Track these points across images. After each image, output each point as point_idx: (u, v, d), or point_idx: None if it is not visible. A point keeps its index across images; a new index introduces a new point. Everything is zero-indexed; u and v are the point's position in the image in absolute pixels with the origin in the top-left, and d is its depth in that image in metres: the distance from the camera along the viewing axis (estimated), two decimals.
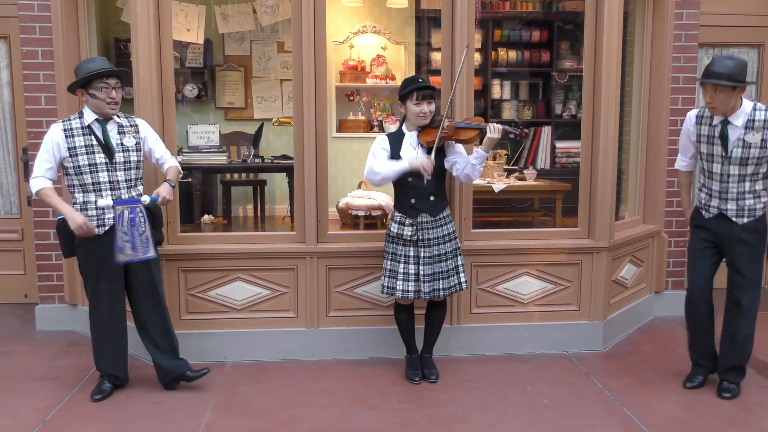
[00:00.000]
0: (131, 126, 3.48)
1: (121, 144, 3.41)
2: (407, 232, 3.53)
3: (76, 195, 3.38)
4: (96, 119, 3.38)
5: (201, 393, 3.57)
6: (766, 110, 3.27)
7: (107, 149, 3.37)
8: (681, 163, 3.69)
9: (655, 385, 3.70)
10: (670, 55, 4.63)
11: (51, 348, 4.23)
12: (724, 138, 3.30)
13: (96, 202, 3.35)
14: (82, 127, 3.35)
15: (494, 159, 5.02)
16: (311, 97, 3.89)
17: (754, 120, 3.25)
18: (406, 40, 6.55)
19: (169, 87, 3.90)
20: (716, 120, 3.32)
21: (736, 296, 3.52)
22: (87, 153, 3.33)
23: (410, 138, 3.58)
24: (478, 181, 4.34)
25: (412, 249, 3.55)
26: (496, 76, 6.47)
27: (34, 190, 3.37)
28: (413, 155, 3.53)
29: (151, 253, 3.42)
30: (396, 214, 3.61)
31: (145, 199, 3.43)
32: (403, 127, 3.64)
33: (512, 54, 6.41)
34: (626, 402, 3.48)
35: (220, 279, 4.00)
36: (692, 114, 3.47)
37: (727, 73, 3.15)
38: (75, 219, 3.27)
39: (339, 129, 6.59)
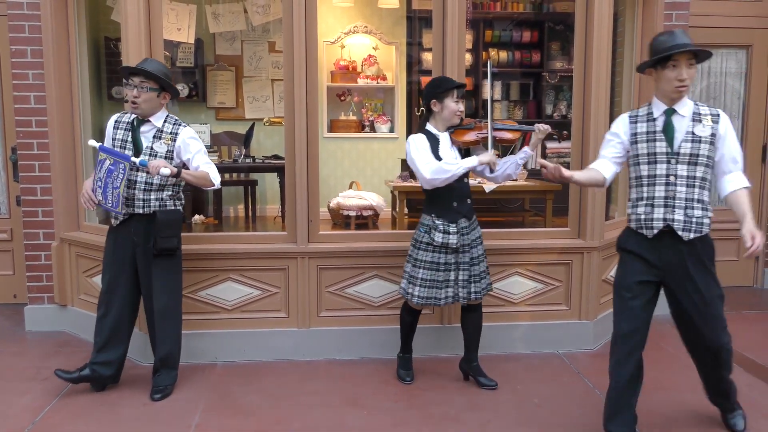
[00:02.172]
0: (171, 133, 3.42)
1: (151, 148, 3.38)
2: (452, 240, 3.42)
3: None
4: (135, 118, 3.40)
5: (192, 393, 3.56)
6: (710, 107, 2.86)
7: (136, 149, 3.39)
8: (601, 167, 3.01)
9: (646, 384, 3.67)
10: None
11: (41, 349, 4.21)
12: (668, 131, 2.79)
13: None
14: (128, 122, 3.42)
15: None
16: (302, 97, 3.89)
17: (699, 113, 2.80)
18: (397, 40, 6.56)
19: None
20: (658, 112, 2.83)
21: (708, 342, 2.93)
22: (121, 147, 3.40)
23: (445, 139, 3.47)
24: (470, 182, 4.35)
25: (452, 255, 3.46)
26: (487, 77, 6.48)
27: None
28: (452, 156, 3.44)
29: (119, 210, 3.35)
30: (436, 221, 3.44)
31: (135, 160, 3.33)
32: (430, 128, 3.49)
33: (503, 54, 6.43)
34: None
35: (211, 279, 3.99)
36: (623, 116, 2.96)
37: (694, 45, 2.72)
38: (84, 185, 3.41)
39: (330, 129, 6.59)
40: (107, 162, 3.32)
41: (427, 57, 6.31)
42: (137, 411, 3.36)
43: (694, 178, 2.76)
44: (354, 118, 6.60)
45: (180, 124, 3.46)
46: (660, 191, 2.80)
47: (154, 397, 3.48)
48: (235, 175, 5.89)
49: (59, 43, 4.28)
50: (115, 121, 3.45)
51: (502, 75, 6.52)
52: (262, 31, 6.12)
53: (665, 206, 2.79)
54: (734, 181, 2.83)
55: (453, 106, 3.41)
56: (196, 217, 5.09)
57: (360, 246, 4.03)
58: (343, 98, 6.64)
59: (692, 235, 2.77)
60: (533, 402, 3.49)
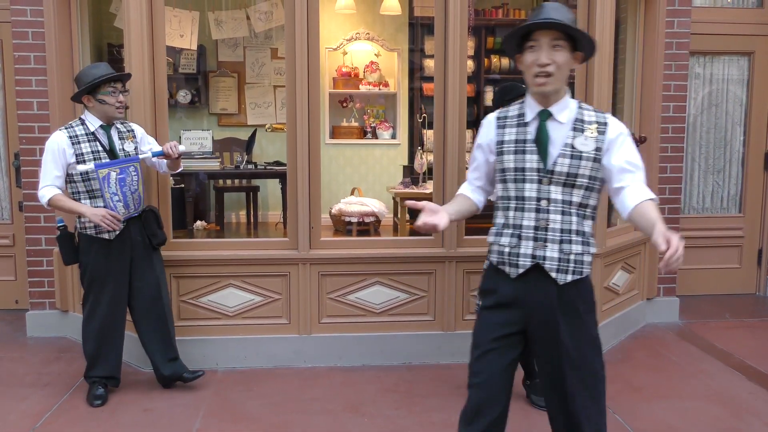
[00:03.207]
0: (128, 131, 3.50)
1: (123, 150, 3.43)
2: None
3: (83, 201, 3.37)
4: (101, 125, 3.39)
5: (192, 399, 3.56)
6: (597, 112, 2.21)
7: (113, 155, 3.39)
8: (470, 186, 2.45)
9: (647, 391, 3.71)
10: (661, 63, 4.66)
11: (42, 354, 4.21)
12: (542, 140, 2.16)
13: (87, 174, 3.33)
14: (87, 134, 3.36)
15: None
16: (304, 103, 3.89)
17: (583, 120, 2.16)
18: (399, 47, 6.58)
19: (162, 93, 3.90)
20: (531, 114, 2.18)
21: (572, 420, 2.23)
22: (95, 159, 3.33)
23: None
24: None
25: None
26: (489, 83, 6.49)
27: (45, 200, 3.33)
28: None
29: (143, 206, 3.49)
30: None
31: (147, 154, 3.46)
32: None
33: (505, 61, 6.44)
34: (618, 409, 3.49)
35: (213, 285, 3.99)
36: (491, 116, 2.33)
37: (569, 23, 2.08)
38: (97, 213, 3.28)
39: (332, 135, 6.60)
40: (113, 174, 3.33)
41: (429, 64, 6.32)
42: (138, 417, 3.35)
43: (571, 203, 2.14)
44: (356, 124, 6.60)
45: (126, 122, 3.54)
46: (529, 219, 2.17)
47: (197, 373, 3.65)
48: (237, 181, 5.90)
49: (62, 49, 4.29)
50: (69, 137, 3.31)
51: (504, 82, 6.52)
52: (264, 37, 6.14)
53: (535, 239, 2.16)
54: (635, 195, 2.13)
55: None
56: (198, 223, 5.10)
57: (361, 252, 4.03)
58: (345, 105, 6.65)
59: (569, 278, 2.15)
60: (534, 409, 3.48)
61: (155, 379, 3.71)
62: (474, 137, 6.48)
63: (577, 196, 2.14)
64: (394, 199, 5.30)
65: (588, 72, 4.06)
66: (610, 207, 4.64)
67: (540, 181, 2.15)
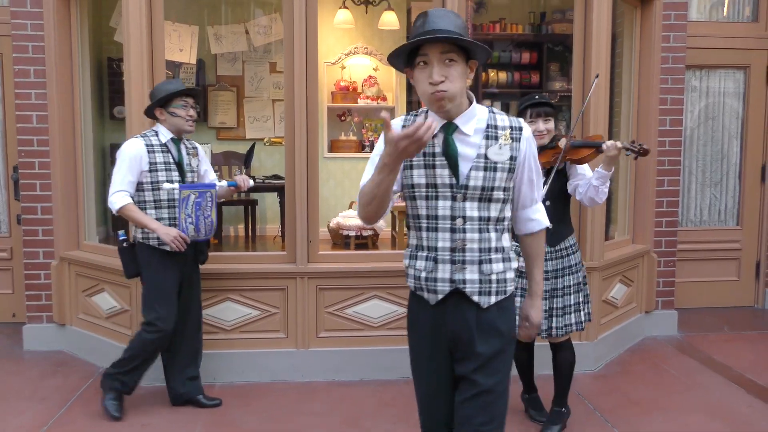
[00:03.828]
0: (193, 148, 3.57)
1: (189, 165, 3.50)
2: (521, 262, 3.25)
3: (149, 211, 3.39)
4: (171, 138, 3.44)
5: (190, 415, 3.54)
6: (508, 116, 2.03)
7: (180, 168, 3.44)
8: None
9: (646, 404, 3.70)
10: (657, 76, 4.69)
11: (38, 368, 4.18)
12: (450, 155, 1.95)
13: (166, 194, 3.38)
14: (160, 144, 3.42)
15: None
16: (303, 117, 3.91)
17: (496, 126, 1.98)
18: None
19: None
20: (435, 125, 1.85)
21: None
22: (166, 170, 3.40)
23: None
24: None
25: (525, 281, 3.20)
26: (487, 97, 6.52)
27: (116, 206, 3.33)
28: None
29: (210, 236, 3.52)
30: (515, 243, 3.35)
31: (222, 183, 3.54)
32: None
33: (503, 75, 6.47)
34: (617, 422, 3.47)
35: (210, 299, 3.97)
36: (396, 120, 2.10)
37: (459, 33, 1.87)
38: (169, 232, 3.30)
39: (330, 149, 6.62)
40: (192, 197, 3.36)
41: None
42: (135, 431, 3.33)
43: (488, 219, 1.97)
44: (354, 138, 6.62)
45: (189, 139, 3.62)
46: (444, 240, 1.97)
47: (214, 401, 3.64)
48: (235, 194, 5.90)
49: (62, 63, 4.31)
50: (147, 146, 3.38)
51: (502, 95, 6.56)
52: (263, 51, 6.17)
53: (453, 262, 1.97)
54: (535, 220, 2.10)
55: (530, 127, 3.20)
56: None
57: (360, 266, 4.03)
58: (343, 118, 6.68)
59: (493, 299, 1.99)
60: (533, 424, 3.47)
61: (154, 393, 3.69)
62: None
63: (494, 211, 1.97)
64: (392, 212, 5.30)
65: (585, 85, 4.08)
66: (608, 219, 4.65)
67: (454, 198, 1.95)
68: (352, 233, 4.85)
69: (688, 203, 5.42)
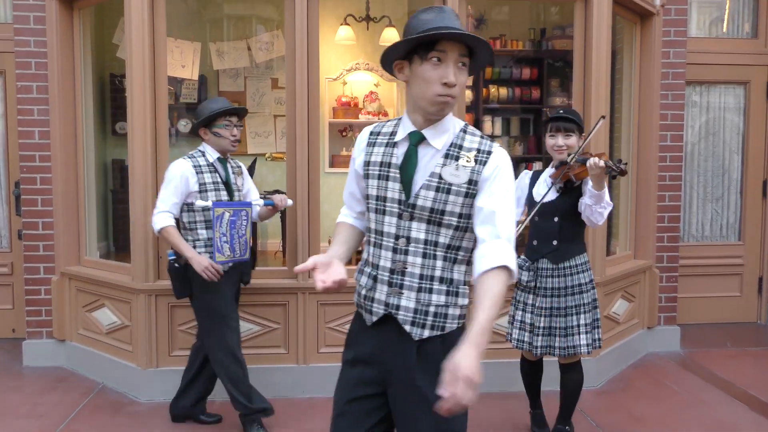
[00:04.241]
0: (237, 167, 3.56)
1: (236, 184, 3.48)
2: (524, 276, 3.20)
3: (200, 231, 3.36)
4: (218, 158, 3.42)
5: (191, 431, 3.51)
6: (483, 138, 1.83)
7: (228, 187, 3.42)
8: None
9: (649, 421, 3.67)
10: (657, 92, 4.70)
11: (38, 384, 4.16)
12: (406, 168, 1.80)
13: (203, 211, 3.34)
14: (207, 165, 3.39)
15: None
16: (304, 132, 3.92)
17: (460, 146, 1.80)
18: None
19: (163, 123, 3.92)
20: (401, 134, 1.83)
21: None
22: (215, 190, 3.36)
23: (547, 174, 3.27)
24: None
25: (530, 296, 3.22)
26: (487, 113, 6.53)
27: (158, 226, 3.29)
28: (542, 192, 3.18)
29: (246, 256, 3.40)
30: (520, 256, 3.25)
31: (259, 202, 3.48)
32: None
33: (503, 91, 6.48)
34: None
35: None
36: (366, 129, 1.97)
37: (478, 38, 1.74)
38: (201, 262, 3.23)
39: (332, 164, 6.63)
40: (227, 215, 3.29)
41: None
42: None
43: (436, 245, 1.78)
44: (347, 153, 6.63)
45: (233, 158, 3.58)
46: (386, 259, 1.82)
47: (215, 417, 3.60)
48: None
49: (65, 79, 4.33)
50: (194, 166, 3.33)
51: (503, 111, 6.57)
52: (265, 67, 6.19)
53: (390, 284, 1.82)
54: (490, 255, 1.71)
55: (548, 141, 3.21)
56: None
57: None
58: (344, 134, 6.69)
59: (426, 333, 1.79)
60: None
61: (152, 409, 3.67)
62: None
63: (444, 237, 1.77)
64: None
65: (585, 102, 4.09)
66: (609, 235, 4.65)
67: (400, 216, 1.78)
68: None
69: (690, 218, 5.41)
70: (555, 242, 3.14)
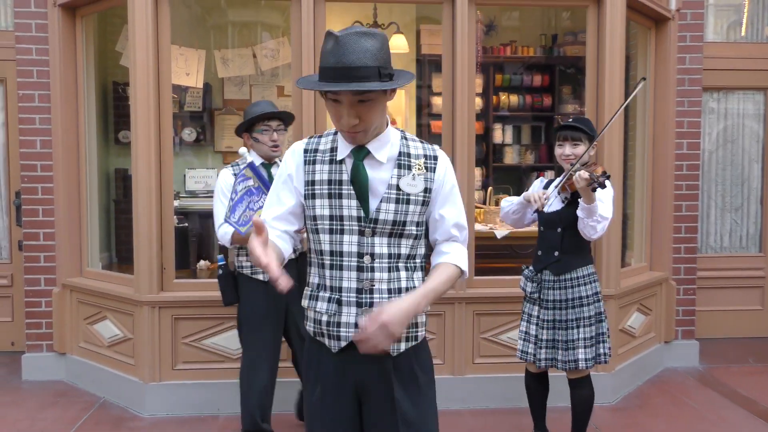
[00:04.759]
0: None
1: None
2: (528, 287, 3.17)
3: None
4: (262, 163, 3.34)
5: None
6: (424, 144, 1.89)
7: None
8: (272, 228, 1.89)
9: None
10: (673, 99, 4.58)
11: (37, 399, 4.07)
12: (359, 183, 1.78)
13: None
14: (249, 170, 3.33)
15: (496, 204, 4.94)
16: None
17: (409, 155, 1.83)
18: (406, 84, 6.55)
19: (167, 131, 3.84)
20: (344, 151, 1.80)
21: None
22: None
23: (556, 182, 3.21)
24: (480, 227, 4.25)
25: (535, 308, 3.17)
26: (497, 121, 6.44)
27: (227, 237, 3.16)
28: (549, 202, 3.11)
29: (244, 230, 3.17)
30: (528, 267, 3.24)
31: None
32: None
33: (514, 98, 6.39)
34: None
35: (216, 327, 3.87)
36: (298, 144, 1.91)
37: (377, 61, 1.68)
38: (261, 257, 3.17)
39: None
40: (251, 182, 3.20)
41: (437, 101, 6.28)
42: None
43: (399, 257, 1.81)
44: None
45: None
46: (350, 279, 1.79)
47: None
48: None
49: (67, 87, 4.27)
50: (234, 174, 3.24)
51: (513, 119, 6.48)
52: (270, 75, 6.12)
53: (359, 304, 1.79)
54: (449, 254, 1.86)
55: (556, 150, 3.17)
56: (201, 263, 5.00)
57: None
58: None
59: (404, 346, 1.82)
60: None
61: (154, 424, 3.56)
62: (483, 176, 6.38)
63: (405, 248, 1.80)
64: None
65: (598, 108, 3.98)
66: (624, 246, 4.52)
67: (361, 233, 1.76)
68: None
69: (708, 229, 5.27)
70: (556, 253, 3.10)
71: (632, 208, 4.79)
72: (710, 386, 4.33)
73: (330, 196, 1.78)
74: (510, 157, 6.47)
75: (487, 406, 3.96)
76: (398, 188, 1.77)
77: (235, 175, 3.22)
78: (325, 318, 1.81)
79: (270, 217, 1.86)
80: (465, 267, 1.86)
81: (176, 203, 4.21)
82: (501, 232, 4.53)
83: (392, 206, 1.77)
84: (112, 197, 5.24)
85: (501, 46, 6.32)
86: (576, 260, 3.09)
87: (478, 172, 5.83)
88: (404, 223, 1.78)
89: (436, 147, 1.86)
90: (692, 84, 4.66)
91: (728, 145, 5.27)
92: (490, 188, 5.49)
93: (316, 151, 1.83)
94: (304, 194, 1.82)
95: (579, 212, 2.93)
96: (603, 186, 2.78)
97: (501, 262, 5.05)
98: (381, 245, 1.77)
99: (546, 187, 3.26)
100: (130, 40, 3.80)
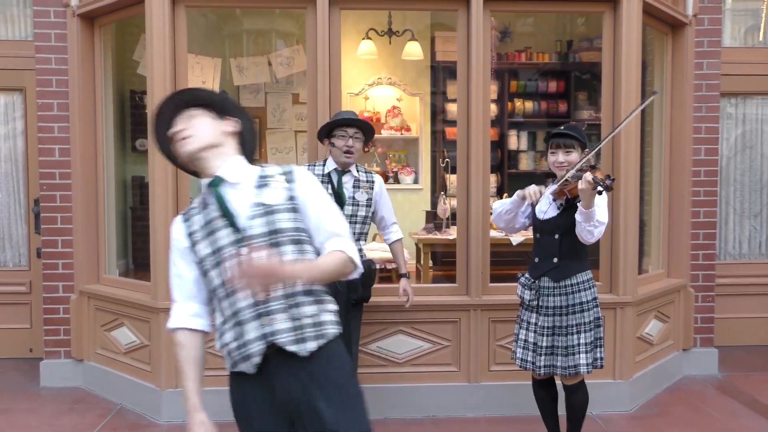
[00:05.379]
0: (368, 182, 3.47)
1: (353, 198, 3.40)
2: (527, 295, 3.14)
3: None
4: (335, 169, 3.40)
5: None
6: (278, 165, 2.06)
7: (339, 199, 3.38)
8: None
9: None
10: (691, 105, 4.54)
11: (54, 405, 4.09)
12: (225, 210, 1.93)
13: None
14: (323, 174, 3.41)
15: None
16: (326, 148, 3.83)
17: (266, 176, 1.98)
18: (421, 91, 6.55)
19: None
20: (205, 189, 1.99)
21: None
22: None
23: (549, 190, 3.16)
24: (495, 234, 4.22)
25: (533, 315, 3.14)
26: (512, 127, 6.42)
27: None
28: (544, 209, 3.13)
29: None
30: (524, 274, 3.24)
31: (390, 234, 3.58)
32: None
33: (529, 104, 6.37)
34: None
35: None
36: (176, 222, 2.05)
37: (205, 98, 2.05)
38: None
39: None
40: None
41: (452, 108, 6.27)
42: None
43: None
44: (378, 169, 6.54)
45: (371, 172, 3.54)
46: (245, 297, 1.86)
47: None
48: None
49: (85, 96, 4.31)
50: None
51: (528, 125, 6.45)
52: (285, 83, 6.14)
53: (258, 315, 1.85)
54: (333, 246, 1.94)
55: (549, 157, 3.18)
56: None
57: (383, 300, 3.88)
58: (366, 149, 6.59)
59: (313, 345, 1.86)
60: None
61: (171, 431, 3.58)
62: (498, 182, 6.35)
63: (290, 254, 1.86)
64: (416, 245, 5.18)
65: (615, 114, 3.96)
66: (641, 252, 4.48)
67: (239, 253, 1.84)
68: (376, 266, 4.72)
69: (726, 235, 5.21)
70: (555, 259, 3.09)
71: (649, 214, 4.74)
72: (730, 395, 4.27)
73: (207, 235, 1.91)
74: (525, 164, 6.44)
75: (503, 414, 3.93)
76: (262, 204, 1.89)
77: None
78: (234, 345, 1.88)
79: (185, 292, 1.96)
80: (352, 255, 1.90)
81: None
82: (516, 239, 4.50)
83: (261, 219, 1.87)
84: (129, 205, 5.28)
85: (516, 53, 6.30)
86: (575, 266, 3.09)
87: (493, 178, 5.80)
88: (278, 231, 1.86)
89: (291, 165, 2.00)
90: (710, 89, 4.62)
91: (746, 150, 5.20)
92: (505, 195, 5.47)
93: (190, 209, 2.00)
94: (191, 245, 1.94)
95: (577, 216, 2.91)
96: (610, 189, 2.78)
97: (516, 269, 5.02)
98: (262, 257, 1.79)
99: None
100: (147, 49, 3.83)
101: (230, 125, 1.99)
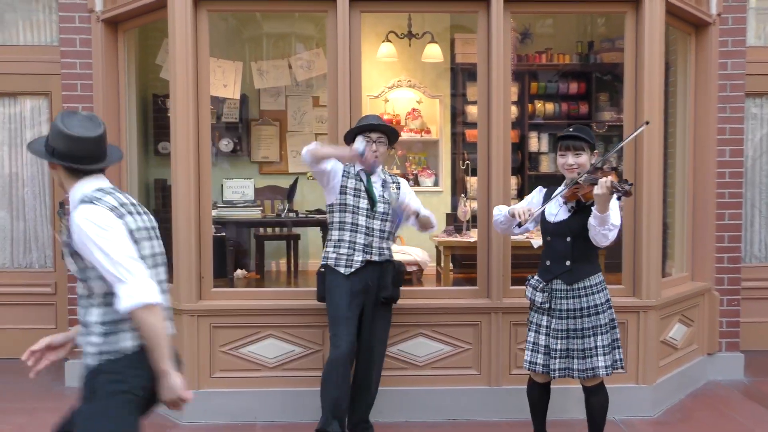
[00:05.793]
0: (393, 183, 3.60)
1: (383, 196, 3.50)
2: (538, 297, 3.12)
3: (333, 231, 3.50)
4: (362, 169, 3.49)
5: None
6: (82, 203, 2.13)
7: (370, 198, 3.47)
8: None
9: None
10: (715, 105, 4.49)
11: None
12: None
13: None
14: (355, 173, 3.49)
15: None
16: (346, 151, 3.84)
17: (64, 214, 2.19)
18: (441, 93, 6.55)
19: (205, 142, 3.91)
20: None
21: None
22: (354, 195, 3.46)
23: (558, 192, 3.20)
24: (516, 236, 4.20)
25: (545, 318, 3.13)
26: (533, 129, 6.39)
27: (303, 151, 3.40)
28: (554, 212, 3.15)
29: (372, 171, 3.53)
30: (534, 276, 3.22)
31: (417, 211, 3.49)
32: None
33: (549, 106, 6.34)
34: None
35: (253, 336, 3.90)
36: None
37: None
38: (344, 150, 3.39)
39: None
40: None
41: (472, 110, 6.26)
42: None
43: (80, 296, 2.14)
44: (398, 171, 6.54)
45: (394, 176, 3.67)
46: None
47: None
48: (277, 229, 5.88)
49: (109, 100, 4.37)
50: (342, 169, 3.49)
51: (549, 127, 6.42)
52: (306, 86, 6.18)
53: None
54: (120, 297, 2.02)
55: (558, 160, 3.19)
56: (239, 271, 5.06)
57: (403, 303, 3.85)
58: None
59: (91, 360, 2.11)
60: None
61: (194, 431, 3.60)
62: (518, 184, 6.32)
63: (81, 288, 2.13)
64: (437, 247, 5.18)
65: (637, 116, 3.92)
66: (665, 255, 4.43)
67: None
68: (404, 268, 4.73)
69: (752, 238, 5.14)
70: (568, 263, 3.09)
71: (672, 217, 4.69)
72: (756, 400, 4.21)
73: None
74: (546, 166, 6.41)
75: (523, 418, 3.89)
76: (68, 244, 2.09)
77: (343, 169, 3.49)
78: None
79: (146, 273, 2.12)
80: (138, 303, 2.01)
81: (214, 213, 4.26)
82: (537, 241, 4.46)
83: (69, 259, 2.11)
84: (152, 207, 5.35)
85: (536, 54, 6.28)
86: (587, 268, 3.10)
87: (513, 180, 5.78)
88: (78, 270, 2.09)
89: (81, 206, 2.06)
90: (734, 90, 4.56)
91: None
92: (526, 197, 5.43)
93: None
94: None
95: (592, 220, 2.92)
96: (629, 194, 2.77)
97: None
98: (78, 287, 2.15)
99: (546, 197, 3.24)
100: (170, 54, 3.88)
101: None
